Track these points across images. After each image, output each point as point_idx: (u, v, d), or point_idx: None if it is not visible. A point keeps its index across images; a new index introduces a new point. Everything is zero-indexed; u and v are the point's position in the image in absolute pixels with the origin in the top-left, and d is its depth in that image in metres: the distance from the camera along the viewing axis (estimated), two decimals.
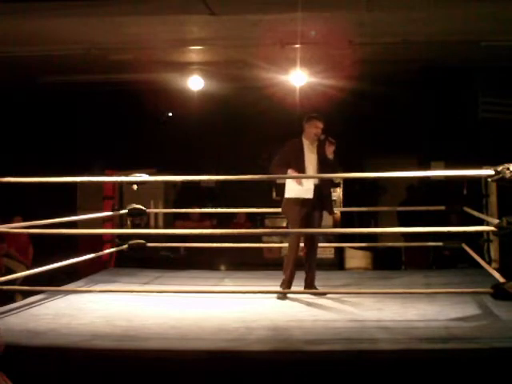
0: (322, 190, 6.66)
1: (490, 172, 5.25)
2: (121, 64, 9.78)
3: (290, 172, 6.50)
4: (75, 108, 11.71)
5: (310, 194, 6.59)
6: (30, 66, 9.89)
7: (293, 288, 6.56)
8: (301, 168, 6.58)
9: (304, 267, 6.68)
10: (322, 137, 6.69)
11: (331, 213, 6.95)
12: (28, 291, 6.47)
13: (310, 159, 6.68)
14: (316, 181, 6.62)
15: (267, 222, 11.21)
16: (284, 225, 11.44)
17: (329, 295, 6.37)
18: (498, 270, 6.82)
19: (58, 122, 11.70)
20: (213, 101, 10.95)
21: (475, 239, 8.16)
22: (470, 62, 9.98)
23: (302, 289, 6.62)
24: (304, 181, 6.54)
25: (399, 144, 10.92)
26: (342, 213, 11.13)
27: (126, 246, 8.06)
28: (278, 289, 6.53)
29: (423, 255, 9.89)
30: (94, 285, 7.33)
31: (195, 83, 10.49)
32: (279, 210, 6.94)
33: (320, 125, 6.72)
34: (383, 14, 7.72)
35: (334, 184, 6.73)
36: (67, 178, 5.96)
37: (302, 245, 6.80)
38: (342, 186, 11.77)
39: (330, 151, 6.62)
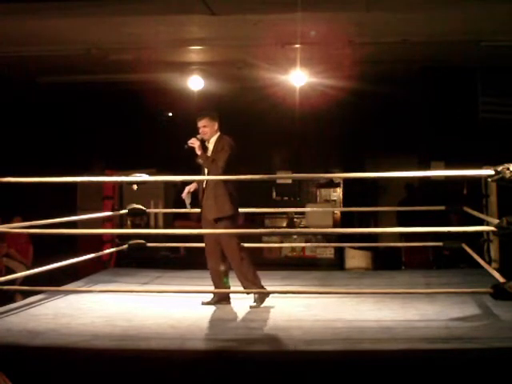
0: (211, 193, 6.24)
1: (490, 172, 5.25)
2: (121, 64, 9.78)
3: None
4: (75, 108, 11.70)
5: (187, 203, 6.37)
6: (30, 66, 9.89)
7: (292, 288, 6.55)
8: (203, 173, 6.36)
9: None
10: (200, 137, 6.43)
11: (214, 219, 6.13)
12: (28, 291, 6.47)
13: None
14: (203, 186, 6.31)
15: (267, 221, 11.22)
16: (284, 225, 11.48)
17: (329, 295, 6.37)
18: (497, 270, 6.81)
19: (57, 122, 11.70)
20: (213, 101, 10.94)
21: (475, 239, 8.15)
22: (470, 61, 9.97)
23: (301, 289, 6.61)
24: (186, 190, 6.39)
25: (399, 144, 10.92)
26: (341, 213, 11.15)
27: (126, 246, 8.05)
28: (277, 289, 6.52)
29: (423, 255, 9.89)
30: (94, 285, 7.32)
31: (195, 83, 10.49)
32: (279, 210, 6.89)
33: (198, 123, 6.42)
34: (383, 14, 7.72)
35: (221, 185, 6.22)
36: (67, 178, 5.95)
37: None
38: (341, 186, 11.81)
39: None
